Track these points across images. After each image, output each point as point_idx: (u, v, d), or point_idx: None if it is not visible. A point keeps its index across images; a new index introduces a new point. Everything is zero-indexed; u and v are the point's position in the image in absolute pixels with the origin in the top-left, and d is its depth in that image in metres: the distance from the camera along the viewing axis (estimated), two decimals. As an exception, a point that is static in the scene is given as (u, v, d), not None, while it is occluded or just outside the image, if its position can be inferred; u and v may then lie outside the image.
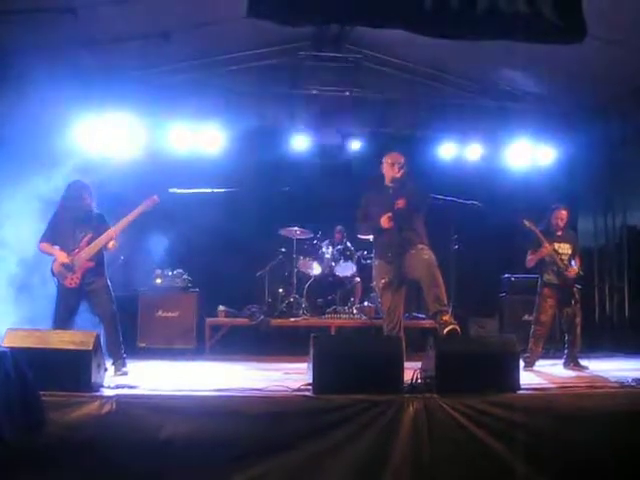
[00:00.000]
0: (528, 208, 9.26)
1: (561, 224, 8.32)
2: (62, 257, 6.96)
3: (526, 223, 8.20)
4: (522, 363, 7.71)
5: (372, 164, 10.80)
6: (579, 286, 8.21)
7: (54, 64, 9.01)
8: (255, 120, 10.71)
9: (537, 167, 11.42)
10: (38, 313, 7.54)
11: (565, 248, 8.26)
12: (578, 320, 8.12)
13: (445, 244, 10.24)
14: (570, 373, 7.72)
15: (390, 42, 9.92)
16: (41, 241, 7.13)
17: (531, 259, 8.25)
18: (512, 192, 10.77)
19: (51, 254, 7.05)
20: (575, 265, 8.19)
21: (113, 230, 7.14)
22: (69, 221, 7.13)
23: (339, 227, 10.78)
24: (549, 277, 8.24)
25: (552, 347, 9.05)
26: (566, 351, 8.20)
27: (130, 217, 7.21)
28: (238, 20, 6.38)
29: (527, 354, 8.11)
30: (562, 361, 8.21)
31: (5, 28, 7.98)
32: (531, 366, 8.03)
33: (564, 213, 8.35)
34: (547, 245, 8.09)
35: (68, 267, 6.96)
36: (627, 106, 10.68)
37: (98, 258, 7.13)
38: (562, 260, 8.16)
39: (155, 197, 7.34)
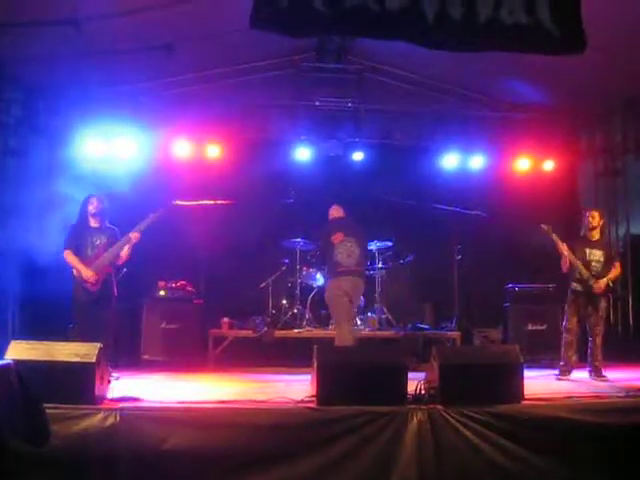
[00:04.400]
0: (531, 217, 9.26)
1: (594, 223, 8.19)
2: (87, 274, 7.38)
3: (543, 227, 8.18)
4: (557, 372, 8.02)
5: (375, 175, 10.91)
6: (609, 295, 8.18)
7: (57, 76, 9.07)
8: (258, 131, 10.73)
9: (540, 177, 11.40)
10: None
11: (597, 255, 8.15)
12: (598, 329, 8.04)
13: (449, 254, 10.26)
14: (576, 383, 7.70)
15: (392, 53, 9.92)
16: (66, 248, 7.55)
17: (562, 263, 8.17)
18: (515, 201, 10.76)
19: (76, 267, 7.45)
20: (605, 278, 8.04)
21: (128, 238, 7.60)
22: (85, 230, 7.65)
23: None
24: (575, 284, 8.17)
25: (556, 357, 9.01)
26: (589, 360, 8.13)
27: (143, 226, 7.67)
28: (241, 32, 6.41)
29: (562, 362, 8.15)
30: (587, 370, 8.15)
31: (8, 40, 8.00)
32: (566, 375, 8.03)
33: (595, 214, 8.26)
34: (563, 246, 8.04)
35: (93, 280, 7.38)
36: (629, 114, 10.69)
37: (113, 265, 7.65)
38: (591, 268, 8.08)
39: (162, 210, 7.80)
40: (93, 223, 7.71)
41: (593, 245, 8.20)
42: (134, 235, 7.60)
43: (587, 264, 8.10)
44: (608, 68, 8.64)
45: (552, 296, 9.93)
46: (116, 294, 7.74)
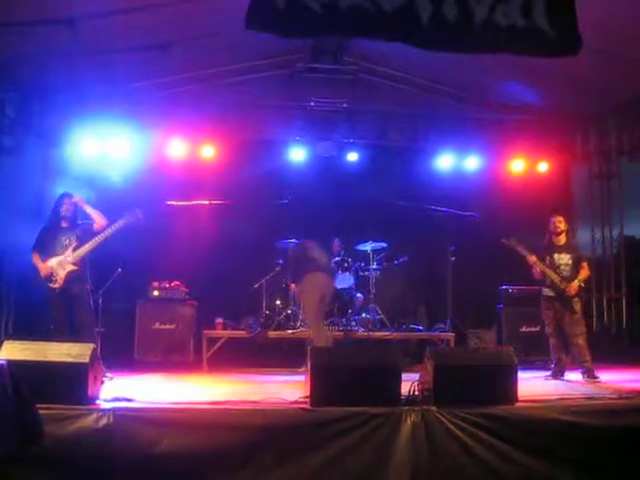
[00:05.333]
0: (525, 219, 9.26)
1: (560, 226, 8.33)
2: (43, 270, 7.53)
3: (505, 241, 8.36)
4: (549, 373, 8.16)
5: (369, 176, 10.90)
6: (582, 296, 8.22)
7: (52, 76, 9.05)
8: (253, 131, 10.72)
9: (534, 178, 11.41)
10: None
11: (565, 258, 8.27)
12: (578, 330, 8.09)
13: (442, 255, 10.25)
14: (569, 384, 7.70)
15: (388, 54, 9.93)
16: (33, 250, 7.70)
17: (534, 271, 8.31)
18: (509, 203, 10.77)
19: (36, 265, 7.59)
20: (576, 280, 8.13)
21: (95, 241, 7.62)
22: (56, 231, 7.70)
23: (337, 239, 10.75)
24: (546, 290, 8.32)
25: (550, 358, 9.02)
26: (578, 362, 8.18)
27: (112, 229, 7.64)
28: (236, 32, 6.40)
29: (552, 364, 8.29)
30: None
31: (3, 39, 7.98)
32: (558, 376, 8.14)
33: (560, 218, 8.37)
34: (530, 256, 8.19)
35: (50, 277, 7.49)
36: (623, 116, 10.72)
37: (82, 264, 7.63)
38: (560, 271, 8.20)
39: (138, 211, 7.75)
40: (63, 223, 7.72)
41: (560, 249, 8.34)
42: (96, 241, 7.61)
43: (556, 268, 8.22)
44: (603, 70, 8.66)
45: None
46: (88, 289, 7.74)
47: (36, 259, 7.60)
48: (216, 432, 5.06)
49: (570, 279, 8.15)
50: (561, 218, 8.40)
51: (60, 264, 7.50)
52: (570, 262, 8.26)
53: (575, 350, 8.12)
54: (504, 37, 5.58)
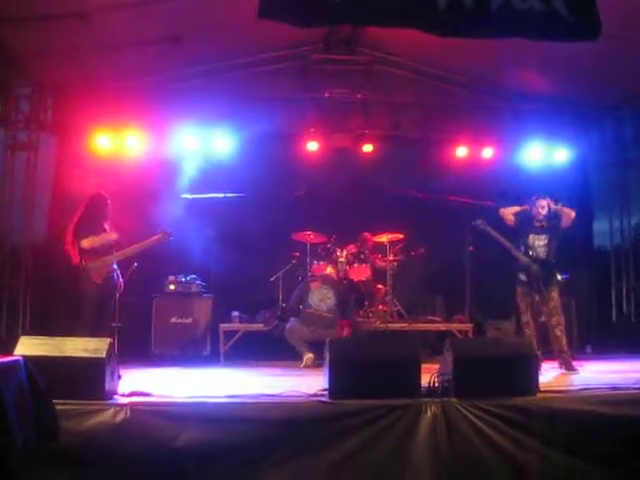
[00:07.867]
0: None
1: (543, 213, 8.08)
2: (114, 234, 7.58)
3: (477, 223, 8.37)
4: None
5: (384, 167, 10.84)
6: (559, 277, 8.07)
7: (66, 71, 9.05)
8: (267, 124, 10.65)
9: (551, 167, 11.33)
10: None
11: (542, 239, 8.10)
12: (555, 320, 7.94)
13: (460, 246, 10.18)
14: (592, 375, 7.62)
15: (402, 44, 9.87)
16: (86, 236, 7.41)
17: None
18: (526, 193, 10.65)
19: (108, 238, 7.53)
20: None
21: (123, 253, 7.69)
22: (101, 229, 7.59)
23: (367, 232, 10.68)
24: (520, 275, 8.09)
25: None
26: (556, 354, 8.07)
27: (139, 246, 7.81)
28: (249, 24, 6.35)
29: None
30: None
31: (18, 35, 7.97)
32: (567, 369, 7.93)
33: (543, 203, 8.11)
34: (499, 235, 8.18)
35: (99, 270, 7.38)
36: (640, 104, 10.62)
37: (114, 268, 7.60)
38: (537, 251, 8.04)
39: (168, 232, 7.94)
40: (105, 223, 7.65)
41: (539, 231, 8.14)
42: (124, 253, 7.69)
43: (533, 249, 8.05)
44: (619, 58, 8.55)
45: (564, 287, 9.84)
46: (121, 287, 7.74)
47: (93, 238, 7.42)
48: (234, 426, 5.02)
49: (547, 262, 8.00)
50: (544, 202, 8.12)
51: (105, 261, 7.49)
52: (546, 241, 8.08)
53: (553, 341, 7.97)
54: (521, 21, 5.50)
